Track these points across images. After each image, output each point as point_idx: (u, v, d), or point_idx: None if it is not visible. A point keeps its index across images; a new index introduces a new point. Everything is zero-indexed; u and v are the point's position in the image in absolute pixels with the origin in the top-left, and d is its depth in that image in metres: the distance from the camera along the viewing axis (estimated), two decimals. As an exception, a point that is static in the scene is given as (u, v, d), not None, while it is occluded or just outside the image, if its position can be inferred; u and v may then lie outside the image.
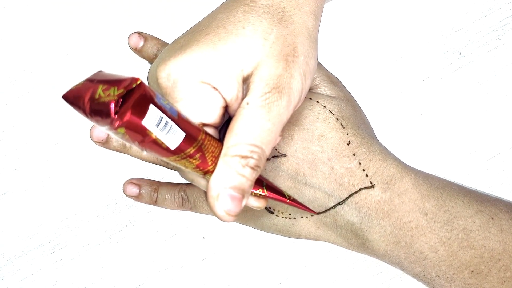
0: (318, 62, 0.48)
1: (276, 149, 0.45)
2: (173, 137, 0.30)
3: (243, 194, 0.34)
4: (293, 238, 0.47)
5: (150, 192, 0.49)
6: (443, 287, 0.45)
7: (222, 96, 0.34)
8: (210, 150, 0.33)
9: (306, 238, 0.47)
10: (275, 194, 0.38)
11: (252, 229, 0.49)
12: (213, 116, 0.34)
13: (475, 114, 0.50)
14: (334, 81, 0.47)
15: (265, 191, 0.38)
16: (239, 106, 0.34)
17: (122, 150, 0.49)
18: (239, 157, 0.33)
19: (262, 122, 0.34)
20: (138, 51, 0.48)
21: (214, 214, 0.33)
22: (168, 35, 0.49)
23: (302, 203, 0.41)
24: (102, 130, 0.46)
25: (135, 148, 0.48)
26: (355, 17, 0.50)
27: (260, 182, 0.38)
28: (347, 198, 0.44)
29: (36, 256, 0.49)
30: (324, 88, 0.47)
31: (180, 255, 0.50)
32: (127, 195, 0.49)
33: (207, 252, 0.50)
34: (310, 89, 0.47)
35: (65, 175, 0.49)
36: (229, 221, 0.33)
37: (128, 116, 0.27)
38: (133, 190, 0.49)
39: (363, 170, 0.44)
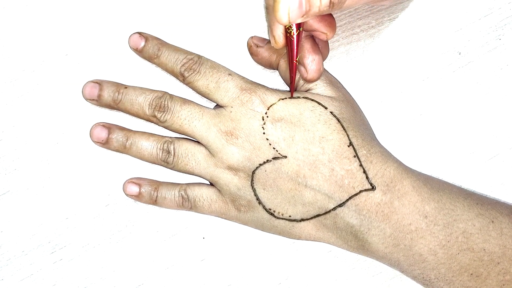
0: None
1: (277, 151, 0.45)
2: None
3: (307, 11, 0.36)
4: (293, 239, 0.47)
5: (150, 191, 0.49)
6: (442, 289, 0.45)
7: None
8: None
9: (306, 239, 0.47)
10: (295, 45, 0.42)
11: (252, 229, 0.49)
12: None
13: (475, 114, 0.50)
14: (333, 82, 0.47)
15: (294, 33, 0.42)
16: None
17: (122, 150, 0.49)
18: None
19: None
20: (139, 51, 0.48)
21: (275, 6, 0.36)
22: (168, 35, 0.49)
23: (294, 81, 0.45)
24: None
25: (135, 148, 0.48)
26: (354, 17, 0.50)
27: (299, 26, 0.42)
28: (347, 200, 0.44)
29: (36, 256, 0.49)
30: (323, 89, 0.47)
31: (180, 255, 0.50)
32: (127, 194, 0.49)
33: (207, 252, 0.50)
34: (309, 90, 0.47)
35: (65, 175, 0.49)
36: (282, 22, 0.37)
37: None
38: (133, 189, 0.49)
39: (364, 172, 0.44)
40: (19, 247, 0.49)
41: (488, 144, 0.50)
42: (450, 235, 0.43)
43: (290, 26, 0.41)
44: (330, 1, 0.36)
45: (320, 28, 0.43)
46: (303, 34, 0.44)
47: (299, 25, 0.42)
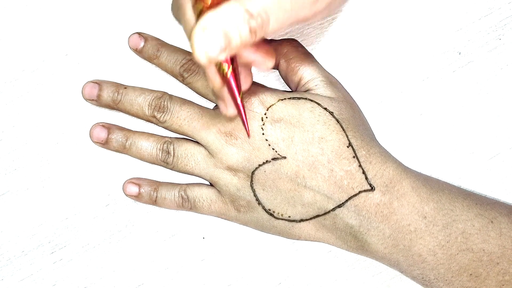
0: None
1: (276, 151, 0.45)
2: None
3: (227, 45, 0.32)
4: (293, 239, 0.47)
5: (150, 191, 0.49)
6: (442, 289, 0.45)
7: None
8: None
9: (305, 240, 0.47)
10: (234, 83, 0.37)
11: (252, 229, 0.49)
12: None
13: (475, 114, 0.50)
14: (333, 82, 0.47)
15: (228, 72, 0.36)
16: None
17: (122, 150, 0.49)
18: (246, 11, 0.32)
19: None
20: (138, 52, 0.48)
21: (191, 45, 0.32)
22: (168, 35, 0.49)
23: (246, 118, 0.40)
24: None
25: (134, 148, 0.48)
26: (354, 17, 0.50)
27: (232, 61, 0.36)
28: (347, 201, 0.44)
29: (36, 256, 0.49)
30: (323, 89, 0.47)
31: (180, 255, 0.50)
32: (127, 195, 0.49)
33: (207, 252, 0.50)
34: (309, 91, 0.47)
35: (65, 175, 0.49)
36: (203, 63, 0.32)
37: None
38: (133, 189, 0.49)
39: (363, 172, 0.44)
40: (19, 247, 0.49)
41: (488, 144, 0.50)
42: (449, 235, 0.43)
43: (221, 64, 0.36)
44: (250, 30, 0.32)
45: (257, 58, 0.38)
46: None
47: (231, 61, 0.37)
